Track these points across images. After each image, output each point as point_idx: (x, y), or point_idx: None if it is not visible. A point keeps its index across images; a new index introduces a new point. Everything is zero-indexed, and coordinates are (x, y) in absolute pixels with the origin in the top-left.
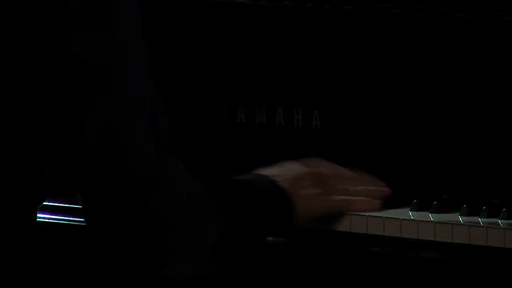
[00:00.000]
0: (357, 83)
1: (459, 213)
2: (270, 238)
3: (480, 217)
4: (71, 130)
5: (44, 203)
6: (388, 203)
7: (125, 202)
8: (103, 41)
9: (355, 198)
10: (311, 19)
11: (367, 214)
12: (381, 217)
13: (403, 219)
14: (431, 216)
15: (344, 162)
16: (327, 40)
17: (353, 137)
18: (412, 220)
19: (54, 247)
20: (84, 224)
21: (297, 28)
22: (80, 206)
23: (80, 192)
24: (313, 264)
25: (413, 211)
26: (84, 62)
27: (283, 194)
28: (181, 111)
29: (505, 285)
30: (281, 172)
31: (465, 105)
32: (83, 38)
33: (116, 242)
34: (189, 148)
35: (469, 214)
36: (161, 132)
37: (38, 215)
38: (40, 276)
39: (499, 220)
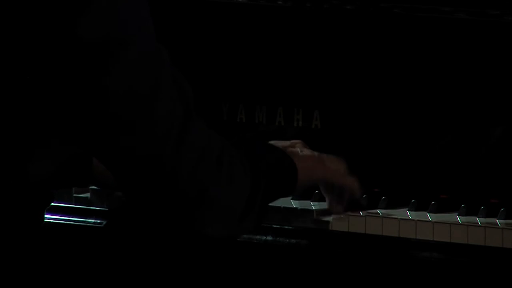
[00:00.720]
0: (357, 83)
1: (457, 213)
2: (269, 238)
3: (478, 217)
4: (92, 111)
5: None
6: (386, 203)
7: (157, 170)
8: (110, 23)
9: (348, 174)
10: (311, 19)
11: (365, 214)
12: (379, 216)
13: (401, 218)
14: (429, 216)
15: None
16: (327, 40)
17: (353, 137)
18: (411, 220)
19: (54, 247)
20: (84, 224)
21: (297, 28)
22: (80, 206)
23: (111, 165)
24: (312, 264)
25: (412, 210)
26: (93, 43)
27: (288, 158)
28: None
29: (504, 284)
30: (277, 142)
31: (464, 105)
32: (92, 20)
33: (154, 206)
34: None
35: (467, 214)
36: (186, 100)
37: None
38: (41, 275)
39: (497, 220)
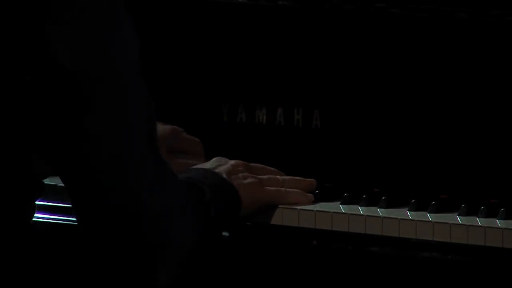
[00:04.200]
0: (357, 83)
1: (457, 213)
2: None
3: (478, 217)
4: (68, 141)
5: (44, 203)
6: (386, 203)
7: (121, 217)
8: (93, 56)
9: (289, 190)
10: (311, 19)
11: (365, 214)
12: (379, 216)
13: (401, 219)
14: (429, 216)
15: (343, 161)
16: (326, 40)
17: (352, 137)
18: (411, 220)
19: (54, 247)
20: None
21: (296, 28)
22: None
23: (74, 199)
24: (312, 263)
25: (412, 211)
26: (74, 74)
27: (233, 190)
28: (181, 111)
29: (504, 285)
30: (220, 165)
31: (463, 104)
32: (71, 52)
33: (109, 250)
34: None
35: (467, 214)
36: (154, 138)
37: (36, 215)
38: (41, 275)
39: (497, 220)
